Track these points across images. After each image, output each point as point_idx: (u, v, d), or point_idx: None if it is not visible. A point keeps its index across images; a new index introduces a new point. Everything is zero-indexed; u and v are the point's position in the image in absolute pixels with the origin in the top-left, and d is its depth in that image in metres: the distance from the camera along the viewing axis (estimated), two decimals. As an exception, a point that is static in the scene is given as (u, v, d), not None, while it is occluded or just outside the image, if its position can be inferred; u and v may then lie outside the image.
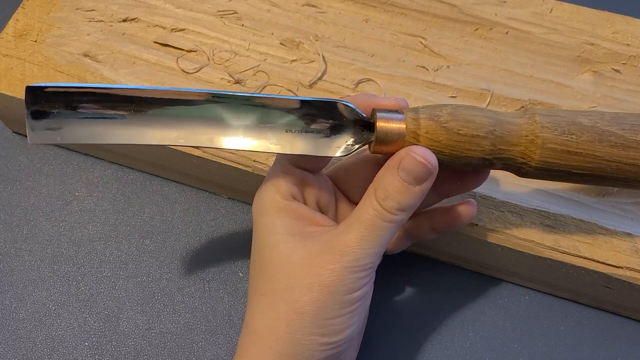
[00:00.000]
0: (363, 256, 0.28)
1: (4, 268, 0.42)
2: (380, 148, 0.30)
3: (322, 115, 0.30)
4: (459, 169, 0.31)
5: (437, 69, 0.43)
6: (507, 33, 0.45)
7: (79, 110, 0.28)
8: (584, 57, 0.44)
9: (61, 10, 0.45)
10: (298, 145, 0.30)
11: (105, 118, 0.28)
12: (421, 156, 0.28)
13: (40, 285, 0.42)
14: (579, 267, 0.37)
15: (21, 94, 0.41)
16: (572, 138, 0.30)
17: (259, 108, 0.29)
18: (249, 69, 0.43)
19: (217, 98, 0.29)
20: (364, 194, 0.30)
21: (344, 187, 0.35)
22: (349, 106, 0.29)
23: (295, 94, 0.42)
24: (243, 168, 0.40)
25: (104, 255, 0.43)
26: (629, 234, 0.38)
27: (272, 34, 0.44)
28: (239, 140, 0.30)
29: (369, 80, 0.43)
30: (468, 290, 0.42)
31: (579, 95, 0.43)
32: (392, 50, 0.44)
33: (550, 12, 0.46)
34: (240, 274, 0.43)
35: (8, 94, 0.42)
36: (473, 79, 0.43)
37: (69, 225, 0.44)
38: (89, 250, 0.43)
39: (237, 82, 0.42)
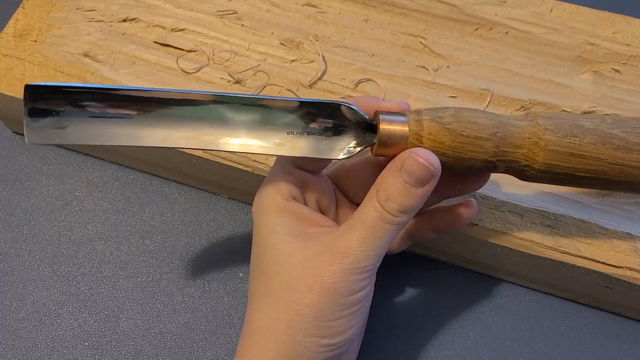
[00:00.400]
0: (364, 258, 0.28)
1: (4, 268, 0.42)
2: (382, 150, 0.29)
3: (325, 117, 0.30)
4: (461, 172, 0.31)
5: (437, 69, 0.43)
6: (507, 33, 0.45)
7: (80, 110, 0.28)
8: (584, 57, 0.44)
9: (61, 10, 0.45)
10: (300, 147, 0.30)
11: (106, 118, 0.28)
12: (424, 158, 0.28)
13: (40, 285, 0.42)
14: (579, 267, 0.37)
15: (21, 94, 0.41)
16: (575, 140, 0.30)
17: (260, 110, 0.29)
18: (249, 69, 0.43)
19: (220, 99, 0.29)
20: (365, 195, 0.30)
21: (345, 188, 0.35)
22: (351, 108, 0.29)
23: (295, 94, 0.42)
24: (243, 168, 0.40)
25: (104, 255, 0.43)
26: (629, 234, 0.38)
27: (272, 34, 0.44)
28: (241, 143, 0.29)
29: (369, 80, 0.43)
30: (468, 290, 0.42)
31: (579, 95, 0.43)
32: (392, 50, 0.44)
33: (550, 12, 0.46)
34: (240, 274, 0.43)
35: (8, 94, 0.42)
36: (473, 79, 0.43)
37: (69, 225, 0.44)
38: (89, 250, 0.43)
39: (237, 82, 0.42)
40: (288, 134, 0.30)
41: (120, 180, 0.46)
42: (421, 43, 0.44)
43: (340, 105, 0.29)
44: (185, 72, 0.43)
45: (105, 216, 0.44)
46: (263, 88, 0.42)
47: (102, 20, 0.44)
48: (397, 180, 0.28)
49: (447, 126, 0.29)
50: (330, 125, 0.30)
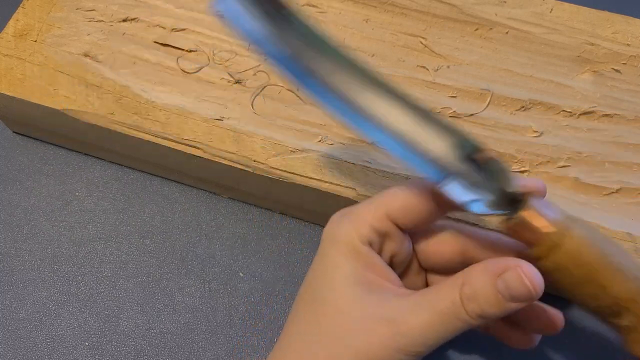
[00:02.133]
0: (420, 343, 0.26)
1: (4, 268, 0.42)
2: (512, 231, 0.27)
3: (475, 167, 0.27)
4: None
5: (437, 69, 0.43)
6: (507, 33, 0.45)
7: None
8: (584, 57, 0.44)
9: (61, 10, 0.45)
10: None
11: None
12: (529, 278, 0.25)
13: (40, 285, 0.42)
14: (579, 267, 0.37)
15: (21, 94, 0.41)
16: None
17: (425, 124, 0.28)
18: (250, 69, 0.43)
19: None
20: (440, 268, 0.28)
21: (420, 251, 0.33)
22: (507, 172, 0.27)
23: (295, 93, 0.42)
24: (243, 168, 0.40)
25: (104, 255, 0.43)
26: (629, 234, 0.38)
27: (272, 34, 0.44)
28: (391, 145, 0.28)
29: (369, 80, 0.43)
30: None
31: (579, 95, 0.43)
32: (392, 50, 0.44)
33: (550, 12, 0.46)
34: (241, 274, 0.43)
35: (8, 94, 0.42)
36: (473, 79, 0.43)
37: (69, 225, 0.44)
38: (89, 250, 0.43)
39: (238, 82, 0.42)
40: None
41: (120, 180, 0.46)
42: (421, 43, 0.44)
43: (502, 165, 0.27)
44: (185, 72, 0.43)
45: (105, 216, 0.44)
46: (263, 88, 0.42)
47: (102, 20, 0.44)
48: (491, 285, 0.26)
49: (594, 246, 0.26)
50: (476, 174, 0.27)
